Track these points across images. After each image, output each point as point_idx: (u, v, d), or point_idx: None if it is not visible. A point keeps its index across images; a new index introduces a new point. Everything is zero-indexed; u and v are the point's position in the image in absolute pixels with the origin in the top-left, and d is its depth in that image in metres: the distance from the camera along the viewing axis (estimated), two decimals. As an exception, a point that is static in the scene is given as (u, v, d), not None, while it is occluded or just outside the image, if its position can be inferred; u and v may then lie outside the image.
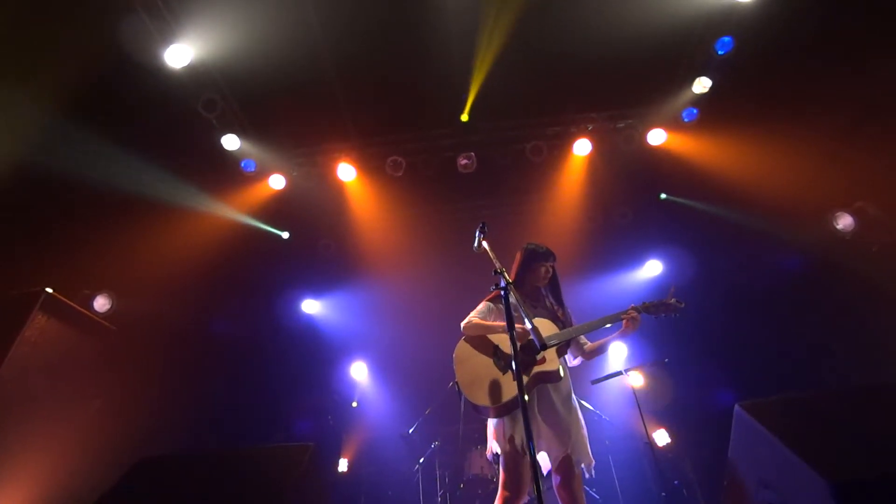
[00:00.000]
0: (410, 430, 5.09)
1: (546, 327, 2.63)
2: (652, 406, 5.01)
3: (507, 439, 2.47)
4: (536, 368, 2.49)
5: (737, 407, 2.02)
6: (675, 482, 4.90)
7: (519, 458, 2.43)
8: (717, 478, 4.62)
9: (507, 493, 2.44)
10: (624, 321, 2.62)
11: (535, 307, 2.81)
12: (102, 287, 4.83)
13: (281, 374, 6.04)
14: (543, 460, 2.56)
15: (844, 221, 4.76)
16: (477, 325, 2.67)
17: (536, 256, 2.84)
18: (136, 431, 4.20)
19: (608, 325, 2.66)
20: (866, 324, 4.49)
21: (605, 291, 6.28)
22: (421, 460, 4.97)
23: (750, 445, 1.97)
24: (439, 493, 4.74)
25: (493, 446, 2.59)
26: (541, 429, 2.47)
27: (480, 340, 2.65)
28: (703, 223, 5.81)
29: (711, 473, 4.84)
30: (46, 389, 3.75)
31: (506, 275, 2.18)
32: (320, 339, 6.52)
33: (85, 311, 4.32)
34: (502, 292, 2.75)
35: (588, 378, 5.02)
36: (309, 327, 6.56)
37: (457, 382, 2.59)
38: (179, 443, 4.89)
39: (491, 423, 2.63)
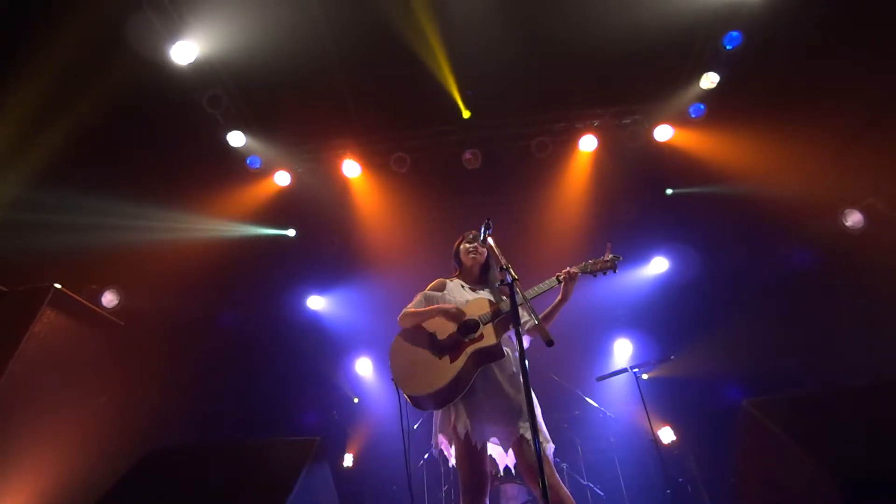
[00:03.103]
0: (415, 426, 5.11)
1: (481, 304, 2.54)
2: (657, 403, 5.00)
3: (451, 429, 2.32)
4: (472, 347, 2.37)
5: (745, 404, 2.00)
6: (680, 480, 4.89)
7: (470, 451, 2.25)
8: (723, 475, 4.62)
9: (466, 497, 2.23)
10: (562, 283, 2.55)
11: (475, 290, 2.73)
12: (110, 282, 4.87)
13: (286, 369, 6.07)
14: (496, 452, 2.43)
15: (854, 218, 4.71)
16: (411, 315, 2.57)
17: (459, 242, 2.90)
18: (143, 426, 4.23)
19: (545, 291, 2.56)
20: (876, 321, 4.45)
21: (610, 289, 6.26)
22: (426, 456, 4.98)
23: (758, 443, 1.96)
24: (443, 489, 4.76)
25: (438, 440, 2.46)
26: (486, 413, 2.30)
27: (415, 331, 2.55)
28: (709, 220, 5.77)
29: (716, 471, 4.83)
30: (54, 384, 3.78)
31: (511, 271, 2.14)
32: (325, 335, 6.55)
33: (93, 307, 4.35)
34: (454, 284, 2.72)
35: (593, 375, 5.02)
36: (314, 323, 6.59)
37: (393, 380, 2.44)
38: (186, 437, 4.93)
39: (436, 416, 2.49)
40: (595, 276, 2.66)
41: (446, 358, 2.37)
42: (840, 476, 1.47)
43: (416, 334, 2.54)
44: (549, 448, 2.34)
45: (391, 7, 4.44)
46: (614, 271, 2.65)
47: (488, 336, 2.40)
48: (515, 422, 2.28)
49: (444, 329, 2.48)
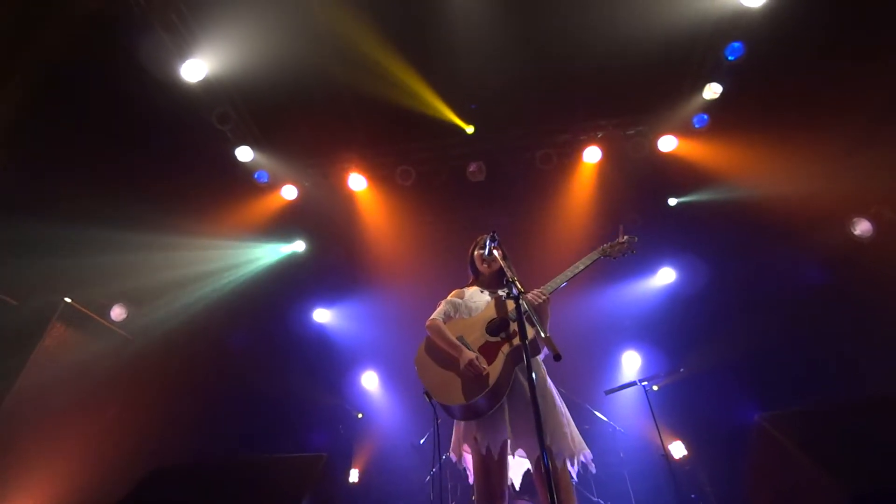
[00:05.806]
0: (421, 441, 5.06)
1: (508, 303, 2.47)
2: (668, 417, 4.92)
3: (472, 440, 2.26)
4: (506, 347, 2.25)
5: (758, 418, 1.98)
6: (692, 496, 4.79)
7: (488, 463, 2.21)
8: (735, 490, 4.52)
9: None
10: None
11: (494, 292, 2.69)
12: (119, 297, 4.92)
13: (292, 383, 6.05)
14: (521, 464, 2.35)
15: (862, 227, 4.67)
16: (436, 332, 2.50)
17: (473, 249, 2.89)
18: (150, 440, 4.24)
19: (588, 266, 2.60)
20: (887, 331, 4.38)
21: (617, 300, 6.22)
22: (433, 471, 4.93)
23: (770, 457, 1.93)
24: (450, 505, 4.69)
25: (460, 450, 2.40)
26: (511, 423, 2.24)
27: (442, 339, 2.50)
28: (716, 230, 5.74)
29: (728, 486, 4.73)
30: (63, 397, 3.81)
31: (517, 284, 2.14)
32: (331, 349, 6.54)
33: (102, 321, 4.40)
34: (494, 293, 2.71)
35: (601, 388, 4.96)
36: (320, 337, 6.59)
37: (426, 392, 2.35)
38: (192, 451, 4.92)
39: (457, 426, 2.43)
40: (615, 258, 2.68)
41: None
42: (852, 489, 1.45)
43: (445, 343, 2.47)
44: (578, 456, 2.26)
45: (395, 23, 4.53)
46: (633, 252, 2.68)
47: (515, 333, 2.33)
48: (535, 434, 2.17)
49: (472, 333, 2.43)
